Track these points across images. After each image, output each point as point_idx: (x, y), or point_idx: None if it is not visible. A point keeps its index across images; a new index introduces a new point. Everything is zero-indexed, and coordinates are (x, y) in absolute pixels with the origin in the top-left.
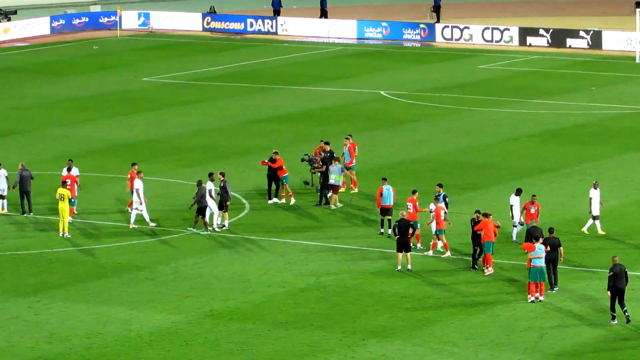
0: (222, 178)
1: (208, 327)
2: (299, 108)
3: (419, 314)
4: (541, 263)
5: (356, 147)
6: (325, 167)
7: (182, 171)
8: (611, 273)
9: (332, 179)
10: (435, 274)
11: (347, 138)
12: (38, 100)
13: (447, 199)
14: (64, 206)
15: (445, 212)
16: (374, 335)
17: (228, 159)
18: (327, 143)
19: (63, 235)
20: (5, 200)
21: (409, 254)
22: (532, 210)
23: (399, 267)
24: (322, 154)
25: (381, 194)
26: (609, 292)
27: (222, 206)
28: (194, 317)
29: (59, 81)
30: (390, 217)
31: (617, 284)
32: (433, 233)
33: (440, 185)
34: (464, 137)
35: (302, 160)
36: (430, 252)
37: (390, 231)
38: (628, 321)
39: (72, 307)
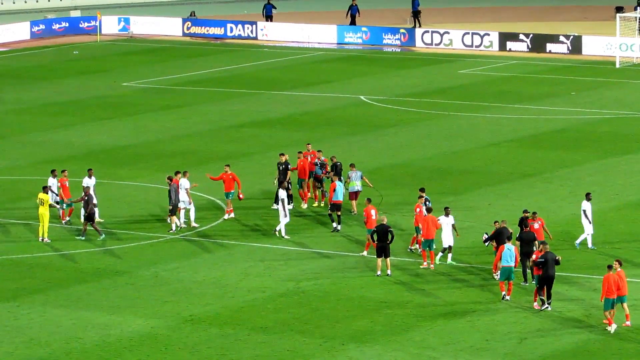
0: (170, 182)
1: (187, 332)
2: (279, 113)
3: (398, 319)
4: (510, 263)
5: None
6: (332, 173)
7: (161, 176)
8: (542, 260)
9: (357, 186)
10: (415, 279)
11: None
12: (17, 105)
13: (428, 203)
14: (43, 211)
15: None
16: (353, 340)
17: (208, 164)
18: (282, 154)
19: (43, 240)
20: None
21: (388, 259)
22: (536, 226)
23: (379, 272)
24: (333, 160)
25: (334, 190)
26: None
27: (171, 211)
28: (173, 322)
29: (39, 86)
30: (339, 213)
31: (548, 271)
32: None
33: (422, 190)
34: (444, 142)
35: (315, 164)
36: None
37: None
38: (544, 307)
39: (52, 312)
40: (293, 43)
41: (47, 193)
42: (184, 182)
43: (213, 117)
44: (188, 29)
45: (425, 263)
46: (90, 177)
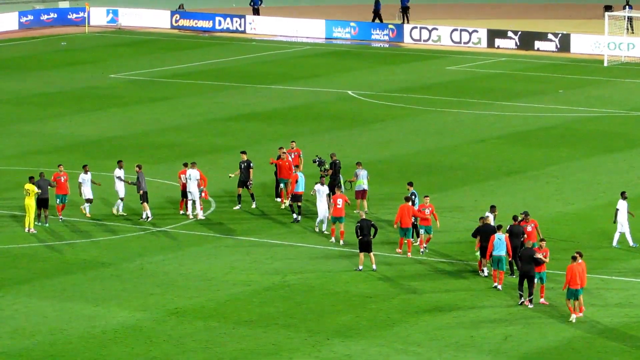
0: (138, 169)
1: (172, 324)
2: (267, 107)
3: (383, 314)
4: (500, 252)
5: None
6: (332, 171)
7: (149, 168)
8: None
9: (364, 185)
10: (401, 274)
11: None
12: (5, 96)
13: (414, 198)
14: (30, 202)
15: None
16: (338, 334)
17: (195, 156)
18: (243, 152)
19: (29, 231)
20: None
21: (372, 254)
22: (529, 228)
23: (360, 267)
24: (332, 158)
25: (296, 181)
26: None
27: (142, 198)
28: (158, 314)
29: (27, 77)
30: (300, 204)
31: (523, 267)
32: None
33: (410, 184)
34: (431, 138)
35: (314, 161)
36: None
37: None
38: (520, 300)
39: (37, 303)
40: (281, 37)
41: (33, 184)
42: (194, 173)
43: (200, 110)
44: (176, 21)
45: (399, 250)
46: (86, 172)
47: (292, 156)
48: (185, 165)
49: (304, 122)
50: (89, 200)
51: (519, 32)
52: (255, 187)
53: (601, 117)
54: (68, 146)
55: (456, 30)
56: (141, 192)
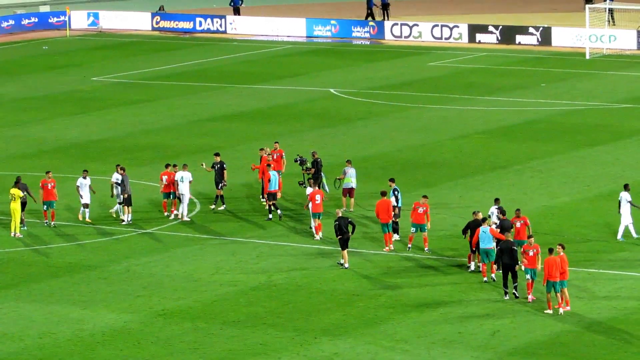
0: (122, 172)
1: (160, 326)
2: (249, 107)
3: (370, 312)
4: (487, 245)
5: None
6: (314, 170)
7: (132, 171)
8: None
9: (352, 183)
10: (387, 272)
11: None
12: None
13: (397, 193)
14: (15, 206)
15: (396, 207)
16: (326, 333)
17: (178, 157)
18: (217, 154)
19: (14, 235)
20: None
21: (345, 251)
22: (518, 224)
23: (342, 261)
24: (314, 156)
25: (269, 180)
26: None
27: (125, 201)
28: (146, 316)
29: (9, 81)
30: (274, 202)
31: (503, 260)
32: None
33: (392, 180)
34: (415, 134)
35: (295, 161)
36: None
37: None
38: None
39: (24, 307)
40: (262, 36)
41: (19, 188)
42: (186, 175)
43: (183, 111)
44: (157, 23)
45: (386, 248)
46: (84, 177)
47: (275, 157)
48: (167, 166)
49: (287, 121)
50: (86, 205)
51: (500, 27)
52: (239, 187)
53: (584, 110)
54: (52, 150)
55: (437, 26)
56: (126, 195)
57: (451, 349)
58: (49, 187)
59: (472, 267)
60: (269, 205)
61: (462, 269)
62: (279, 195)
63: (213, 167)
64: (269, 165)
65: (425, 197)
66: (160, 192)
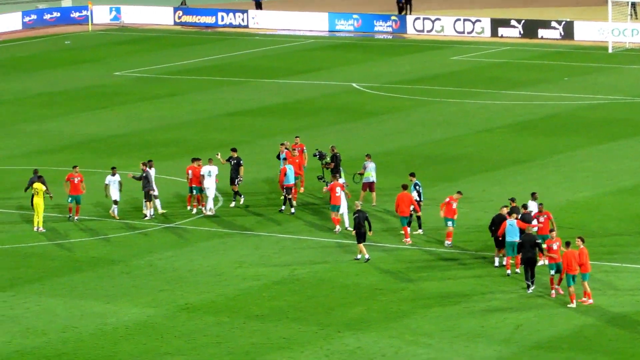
0: (145, 168)
1: (183, 320)
2: (271, 101)
3: (394, 306)
4: (513, 238)
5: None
6: (333, 164)
7: (155, 165)
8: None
9: (372, 177)
10: (410, 266)
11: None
12: (10, 96)
13: (418, 188)
14: (38, 201)
15: (418, 201)
16: (349, 327)
17: (200, 152)
18: (234, 150)
19: (38, 230)
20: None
21: (362, 244)
22: (542, 219)
23: (359, 256)
24: (333, 151)
25: (285, 174)
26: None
27: (147, 196)
28: (169, 310)
29: (31, 76)
30: (290, 196)
31: (526, 253)
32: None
33: (412, 175)
34: (437, 128)
35: (314, 155)
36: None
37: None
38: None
39: (48, 302)
40: (284, 31)
41: (42, 183)
42: (213, 169)
43: (204, 106)
44: (179, 17)
45: (406, 240)
46: (113, 174)
47: (297, 151)
48: (194, 160)
49: (308, 115)
50: (115, 202)
51: (523, 21)
52: (260, 182)
53: (606, 104)
54: (74, 145)
55: (459, 20)
56: (152, 191)
57: (474, 342)
58: (76, 182)
59: (497, 263)
60: (285, 198)
61: (484, 262)
62: (301, 190)
63: (229, 160)
64: (284, 159)
65: (459, 193)
66: (189, 185)
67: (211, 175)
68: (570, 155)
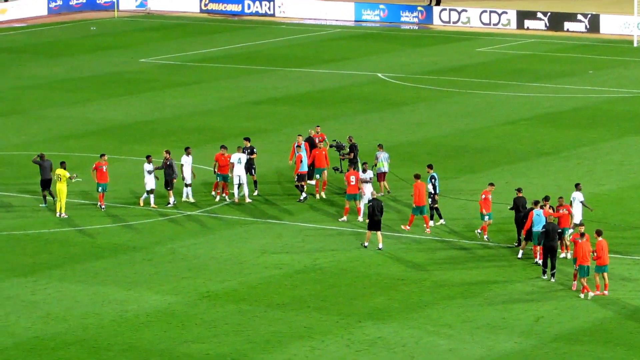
0: (168, 156)
1: (204, 308)
2: (296, 90)
3: (415, 297)
4: (540, 228)
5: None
6: (352, 154)
7: (178, 153)
8: (543, 230)
9: (384, 167)
10: (432, 256)
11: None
12: (35, 81)
13: (434, 181)
14: (61, 187)
15: (434, 194)
16: (370, 317)
17: (225, 140)
18: (247, 139)
19: (60, 215)
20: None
21: (379, 233)
22: (561, 211)
23: (366, 243)
24: (351, 141)
25: (300, 161)
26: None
27: (167, 184)
28: (190, 298)
29: (56, 62)
30: (304, 183)
31: (550, 242)
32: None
33: (430, 167)
34: (461, 120)
35: (331, 146)
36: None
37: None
38: (552, 279)
39: (69, 288)
40: (310, 20)
41: (64, 169)
42: (243, 157)
43: (230, 94)
44: (205, 5)
45: (408, 227)
46: (149, 162)
47: (317, 141)
48: (223, 147)
49: (333, 105)
50: (151, 191)
51: (549, 13)
52: (285, 171)
53: (631, 97)
54: (98, 131)
55: (485, 11)
56: (175, 179)
57: (495, 334)
58: (104, 170)
59: (520, 255)
60: (300, 186)
61: (506, 253)
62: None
63: (243, 151)
64: (299, 146)
65: (492, 184)
66: (216, 172)
67: (241, 163)
68: (594, 149)
